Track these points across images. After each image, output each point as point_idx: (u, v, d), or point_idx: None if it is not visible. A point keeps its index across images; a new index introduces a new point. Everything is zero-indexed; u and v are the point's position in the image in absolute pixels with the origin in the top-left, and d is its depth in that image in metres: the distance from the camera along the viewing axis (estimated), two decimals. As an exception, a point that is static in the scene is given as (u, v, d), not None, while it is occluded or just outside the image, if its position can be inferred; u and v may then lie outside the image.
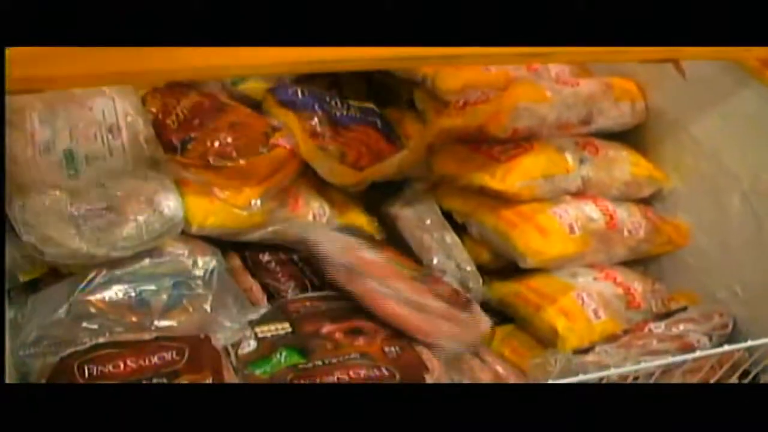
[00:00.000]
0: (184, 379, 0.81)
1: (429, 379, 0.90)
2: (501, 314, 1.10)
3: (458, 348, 0.95)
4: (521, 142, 1.08)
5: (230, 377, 0.84)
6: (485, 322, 1.00)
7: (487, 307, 1.09)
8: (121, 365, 0.82)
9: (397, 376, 0.88)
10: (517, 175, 1.06)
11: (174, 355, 0.83)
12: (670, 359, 0.93)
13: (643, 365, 0.92)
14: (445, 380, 0.92)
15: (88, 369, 0.81)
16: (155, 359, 0.83)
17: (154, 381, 0.80)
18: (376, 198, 1.12)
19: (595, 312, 1.05)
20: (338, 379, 0.86)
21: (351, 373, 0.87)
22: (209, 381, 0.81)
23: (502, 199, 1.07)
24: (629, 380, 0.93)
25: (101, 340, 0.83)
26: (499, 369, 1.03)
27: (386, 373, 0.88)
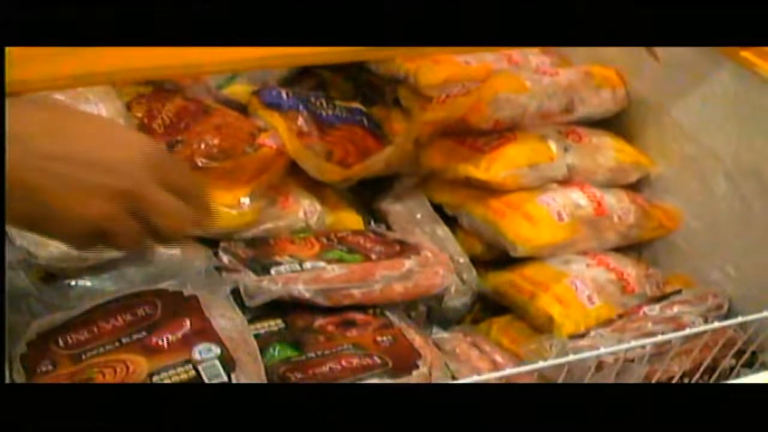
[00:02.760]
0: (165, 330, 0.82)
1: (422, 366, 0.90)
2: (497, 305, 1.11)
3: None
4: (504, 132, 1.10)
5: (212, 317, 0.85)
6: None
7: (482, 297, 1.11)
8: (95, 329, 0.83)
9: (390, 364, 0.89)
10: (501, 164, 1.07)
11: (147, 310, 0.85)
12: (660, 337, 0.93)
13: (633, 343, 0.92)
14: (438, 367, 0.93)
15: (62, 339, 0.83)
16: (128, 317, 0.84)
17: (134, 338, 0.82)
18: (367, 194, 1.14)
19: (590, 298, 1.06)
20: (330, 369, 0.87)
21: (343, 362, 0.87)
22: (189, 327, 0.83)
23: (489, 190, 1.08)
24: (621, 361, 0.94)
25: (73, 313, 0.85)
26: (498, 358, 1.04)
27: (378, 361, 0.88)
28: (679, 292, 1.12)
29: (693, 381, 1.02)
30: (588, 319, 1.04)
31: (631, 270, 1.12)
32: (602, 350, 0.90)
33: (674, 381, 1.00)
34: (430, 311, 1.06)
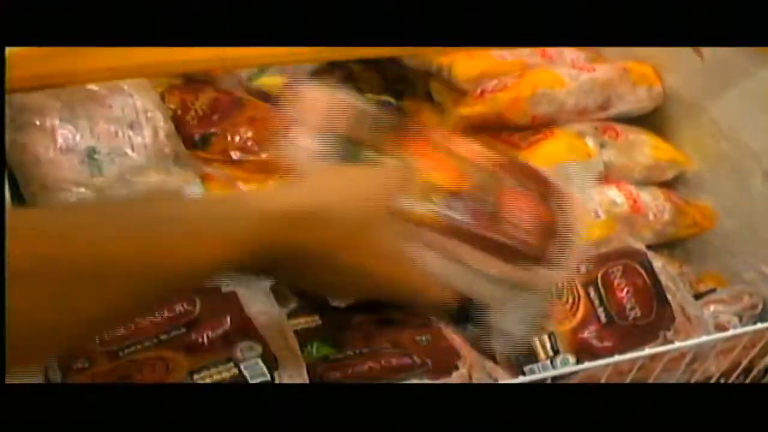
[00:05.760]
0: (205, 328, 0.80)
1: (462, 368, 0.89)
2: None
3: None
4: (541, 128, 1.08)
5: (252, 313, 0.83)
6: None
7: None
8: (132, 326, 0.80)
9: (429, 365, 0.87)
10: (538, 161, 1.05)
11: (185, 306, 0.82)
12: (703, 338, 0.92)
13: (677, 344, 0.91)
14: (478, 368, 0.91)
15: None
16: (166, 313, 0.82)
17: (173, 335, 0.80)
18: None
19: (624, 295, 1.04)
20: (369, 368, 0.85)
21: (383, 362, 0.86)
22: (229, 324, 0.81)
23: (524, 186, 1.06)
24: (663, 361, 0.93)
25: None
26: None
27: (418, 361, 0.87)
28: (713, 291, 1.11)
29: (730, 381, 1.01)
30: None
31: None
32: (647, 351, 0.89)
33: (712, 381, 0.99)
34: (462, 307, 1.04)
